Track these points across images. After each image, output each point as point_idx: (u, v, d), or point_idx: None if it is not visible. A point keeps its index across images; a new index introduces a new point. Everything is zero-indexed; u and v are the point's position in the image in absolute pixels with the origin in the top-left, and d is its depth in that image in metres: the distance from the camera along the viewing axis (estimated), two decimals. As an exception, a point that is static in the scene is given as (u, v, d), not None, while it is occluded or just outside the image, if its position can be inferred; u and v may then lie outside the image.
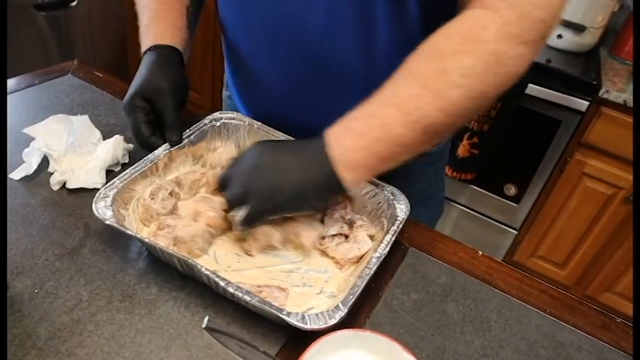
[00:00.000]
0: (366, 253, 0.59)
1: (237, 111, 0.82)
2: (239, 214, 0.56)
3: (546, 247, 1.82)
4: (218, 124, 0.72)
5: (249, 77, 0.75)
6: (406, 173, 0.68)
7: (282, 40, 0.67)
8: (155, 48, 0.67)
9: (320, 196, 0.57)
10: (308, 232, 0.60)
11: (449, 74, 0.52)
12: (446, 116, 0.53)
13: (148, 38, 0.69)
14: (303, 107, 0.72)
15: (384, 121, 0.53)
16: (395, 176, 0.63)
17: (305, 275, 0.58)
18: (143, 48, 0.69)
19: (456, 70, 0.52)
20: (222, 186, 0.60)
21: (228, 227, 0.60)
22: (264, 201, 0.55)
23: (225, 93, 0.91)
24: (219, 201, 0.60)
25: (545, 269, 1.86)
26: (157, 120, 0.66)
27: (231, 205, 0.58)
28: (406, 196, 0.63)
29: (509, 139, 1.67)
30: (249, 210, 0.56)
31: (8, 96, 0.81)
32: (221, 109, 0.77)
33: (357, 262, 0.59)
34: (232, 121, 0.72)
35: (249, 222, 0.57)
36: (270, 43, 0.68)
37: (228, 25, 0.74)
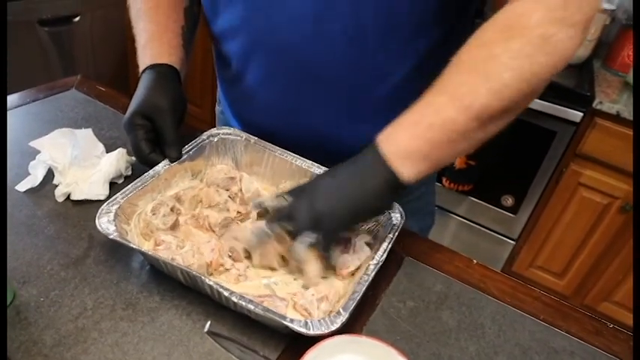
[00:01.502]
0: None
1: (230, 125, 0.83)
2: (305, 241, 0.55)
3: (544, 257, 1.83)
4: (215, 139, 0.73)
5: (240, 90, 0.77)
6: None
7: (272, 53, 0.68)
8: (153, 67, 0.69)
9: (384, 198, 0.57)
10: (312, 267, 0.59)
11: (498, 58, 0.52)
12: (499, 100, 0.53)
13: (145, 57, 0.71)
14: (294, 119, 0.73)
15: (436, 107, 0.54)
16: None
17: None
18: (141, 67, 0.71)
19: (505, 53, 0.52)
20: (285, 217, 0.57)
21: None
22: (334, 220, 0.55)
23: (217, 108, 0.93)
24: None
25: (544, 279, 1.87)
26: (157, 137, 0.67)
27: (300, 231, 0.56)
28: None
29: (505, 151, 1.69)
30: (321, 233, 0.55)
31: (13, 110, 0.83)
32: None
33: (354, 274, 0.60)
34: (229, 136, 0.74)
35: (326, 245, 0.56)
36: (260, 56, 0.70)
37: (219, 38, 0.75)
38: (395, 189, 0.55)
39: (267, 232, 0.58)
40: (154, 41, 0.72)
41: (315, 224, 0.55)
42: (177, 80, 0.71)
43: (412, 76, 0.67)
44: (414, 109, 0.56)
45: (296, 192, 0.59)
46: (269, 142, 0.73)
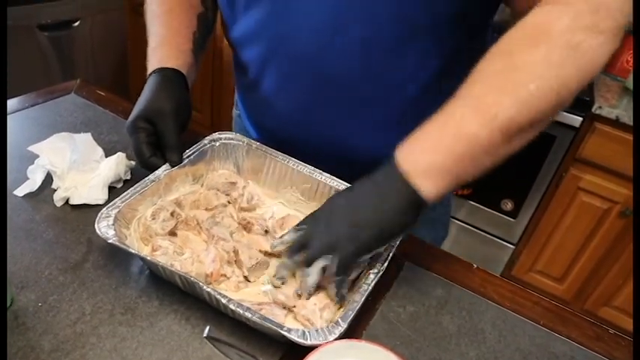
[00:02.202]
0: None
1: (247, 131, 0.84)
2: (318, 266, 0.54)
3: (544, 261, 1.83)
4: (217, 144, 0.73)
5: (257, 97, 0.77)
6: None
7: (288, 61, 0.68)
8: (160, 70, 0.69)
9: (407, 217, 0.53)
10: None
11: (524, 67, 0.50)
12: (526, 111, 0.50)
13: (153, 60, 0.71)
14: (309, 127, 0.73)
15: (458, 120, 0.51)
16: None
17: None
18: (149, 70, 0.71)
19: (530, 62, 0.50)
20: (301, 246, 0.56)
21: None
22: (353, 244, 0.53)
23: (235, 112, 0.93)
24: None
25: (544, 284, 1.86)
26: (159, 141, 0.67)
27: (312, 259, 0.54)
28: None
29: (505, 155, 1.69)
30: (338, 258, 0.53)
31: (13, 115, 0.83)
32: (221, 128, 0.79)
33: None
34: (231, 141, 0.74)
35: (342, 269, 0.53)
36: (276, 64, 0.70)
37: (237, 45, 0.75)
38: (417, 207, 0.53)
39: (285, 266, 0.57)
40: (163, 45, 0.72)
41: (331, 249, 0.53)
42: (183, 84, 0.70)
43: (429, 86, 0.67)
44: (434, 121, 0.53)
45: (311, 219, 0.58)
46: (286, 149, 0.73)
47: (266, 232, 0.65)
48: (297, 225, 0.59)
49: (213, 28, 0.82)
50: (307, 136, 0.74)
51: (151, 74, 0.70)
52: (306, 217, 0.59)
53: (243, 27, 0.71)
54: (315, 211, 0.59)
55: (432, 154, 0.52)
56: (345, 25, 0.62)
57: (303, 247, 0.55)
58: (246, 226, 0.65)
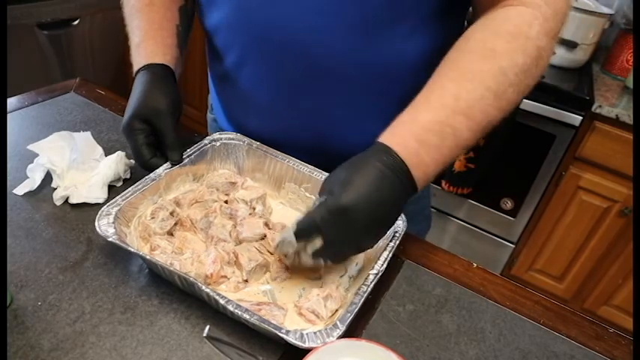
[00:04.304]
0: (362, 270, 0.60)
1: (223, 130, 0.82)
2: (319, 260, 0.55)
3: (544, 260, 1.83)
4: (218, 144, 0.73)
5: (235, 87, 0.75)
6: None
7: (272, 47, 0.66)
8: (148, 67, 0.68)
9: (400, 211, 0.57)
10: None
11: (507, 73, 0.54)
12: (502, 113, 0.56)
13: (139, 57, 0.70)
14: (293, 120, 0.72)
15: (455, 131, 0.54)
16: None
17: (302, 293, 0.59)
18: (135, 67, 0.69)
19: (512, 68, 0.54)
20: (311, 233, 0.54)
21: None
22: (358, 247, 0.56)
23: (209, 116, 0.91)
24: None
25: (544, 282, 1.87)
26: (157, 140, 0.67)
27: (321, 257, 0.55)
28: None
29: (504, 154, 1.69)
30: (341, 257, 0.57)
31: (12, 113, 0.83)
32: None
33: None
34: (232, 141, 0.74)
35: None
36: (258, 51, 0.68)
37: (215, 31, 0.73)
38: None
39: (292, 245, 0.56)
40: (148, 40, 0.71)
41: (340, 255, 0.56)
42: (173, 81, 0.70)
43: (418, 72, 0.65)
44: (434, 128, 0.54)
45: (327, 214, 0.52)
46: (268, 146, 0.72)
47: (266, 225, 0.65)
48: (311, 212, 0.54)
49: (194, 19, 0.80)
50: (291, 129, 0.72)
51: (139, 71, 0.69)
52: (321, 209, 0.53)
53: (224, 13, 0.69)
54: (330, 205, 0.52)
55: (437, 166, 0.55)
56: (336, 8, 0.61)
57: (314, 234, 0.53)
58: (232, 217, 0.65)
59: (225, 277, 0.57)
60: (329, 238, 0.53)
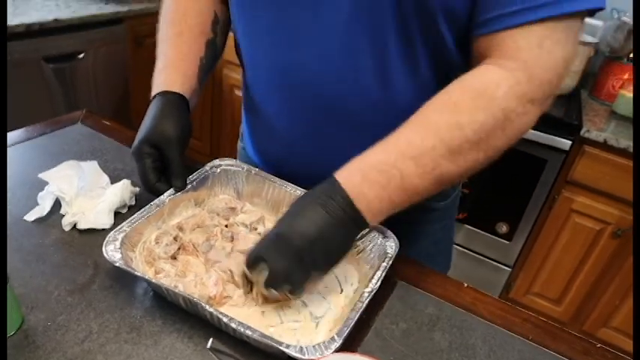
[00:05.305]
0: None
1: (251, 160, 0.86)
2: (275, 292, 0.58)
3: (541, 283, 1.85)
4: (218, 170, 0.77)
5: (261, 119, 0.79)
6: (411, 230, 0.71)
7: (295, 89, 0.70)
8: (164, 94, 0.71)
9: (350, 245, 0.60)
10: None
11: (463, 128, 0.56)
12: (458, 167, 0.57)
13: (159, 83, 0.73)
14: (311, 152, 0.75)
15: (402, 173, 0.56)
16: (400, 234, 0.67)
17: (302, 310, 0.61)
18: (153, 91, 0.73)
19: (470, 124, 0.56)
20: (256, 262, 0.59)
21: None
22: (303, 273, 0.58)
23: (239, 144, 0.95)
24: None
25: (542, 306, 1.88)
26: (163, 165, 0.70)
27: (271, 285, 0.58)
28: (412, 254, 0.67)
29: (498, 179, 1.73)
30: (291, 286, 0.58)
31: (21, 144, 0.87)
32: (220, 156, 0.82)
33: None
34: (231, 167, 0.78)
35: (297, 291, 0.59)
36: (283, 92, 0.72)
37: (246, 67, 0.77)
38: (359, 232, 0.60)
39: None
40: (169, 68, 0.74)
41: (284, 280, 0.57)
42: (185, 109, 0.72)
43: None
44: (381, 168, 0.57)
45: (268, 243, 0.58)
46: (288, 176, 0.75)
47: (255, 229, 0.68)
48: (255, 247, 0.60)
49: (221, 53, 0.84)
50: (309, 163, 0.75)
51: (155, 96, 0.72)
52: (264, 239, 0.60)
53: (253, 52, 0.74)
54: (271, 235, 0.59)
55: (381, 202, 0.58)
56: (354, 54, 0.64)
57: (260, 264, 0.58)
58: (232, 239, 0.68)
59: (229, 297, 0.60)
60: (273, 266, 0.56)
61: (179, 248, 0.66)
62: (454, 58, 0.64)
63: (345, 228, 0.58)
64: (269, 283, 0.57)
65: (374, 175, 0.57)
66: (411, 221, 0.60)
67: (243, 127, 0.90)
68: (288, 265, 0.56)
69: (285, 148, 0.78)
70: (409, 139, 0.58)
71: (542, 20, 0.54)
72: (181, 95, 0.72)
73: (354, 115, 0.69)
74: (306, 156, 0.76)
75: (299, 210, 0.59)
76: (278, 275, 0.57)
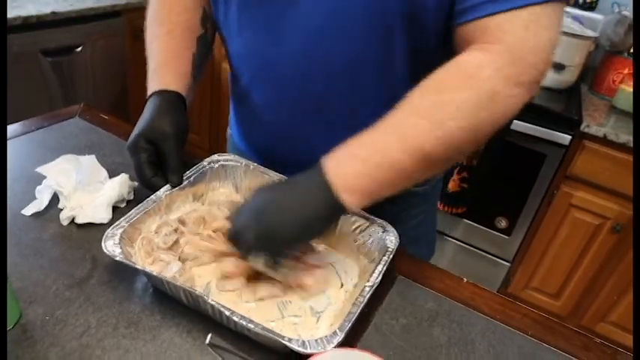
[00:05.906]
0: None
1: (237, 146, 0.87)
2: (258, 259, 0.60)
3: (539, 278, 1.85)
4: (216, 165, 0.76)
5: (247, 108, 0.79)
6: (393, 213, 0.71)
7: (273, 83, 0.71)
8: (160, 93, 0.72)
9: (328, 222, 0.59)
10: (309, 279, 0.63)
11: (446, 106, 0.55)
12: (443, 146, 0.56)
13: (154, 83, 0.73)
14: (293, 142, 0.76)
15: (384, 148, 0.56)
16: (382, 216, 0.67)
17: (303, 305, 0.61)
18: (149, 91, 0.73)
19: (453, 102, 0.55)
20: (234, 242, 0.61)
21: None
22: (280, 238, 0.58)
23: (228, 131, 0.96)
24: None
25: (540, 300, 1.88)
26: (159, 161, 0.70)
27: (247, 254, 0.60)
28: None
29: (497, 173, 1.73)
30: (268, 251, 0.59)
31: (19, 138, 0.86)
32: (219, 150, 0.82)
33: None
34: (230, 162, 0.77)
35: (274, 261, 0.60)
36: (263, 84, 0.73)
37: (232, 61, 0.78)
38: (338, 214, 0.59)
39: None
40: (163, 67, 0.74)
41: (261, 243, 0.58)
42: (182, 107, 0.73)
43: None
44: (362, 143, 0.57)
45: (240, 212, 0.61)
46: (274, 165, 0.76)
47: None
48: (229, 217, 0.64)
49: (211, 48, 0.84)
50: (297, 150, 0.75)
51: (151, 95, 0.72)
52: (237, 209, 0.62)
53: (237, 45, 0.75)
54: (244, 205, 0.61)
55: (359, 178, 0.56)
56: (328, 51, 0.65)
57: (236, 238, 0.60)
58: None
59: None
60: (235, 224, 0.60)
61: (178, 240, 0.65)
62: (432, 53, 0.64)
63: (313, 191, 0.57)
64: (240, 246, 0.60)
65: (353, 150, 0.57)
66: (390, 203, 0.60)
67: (231, 117, 0.91)
68: (251, 222, 0.58)
69: (268, 136, 0.79)
70: (394, 119, 0.57)
71: (527, 5, 0.54)
72: (177, 93, 0.73)
73: (325, 107, 0.70)
74: (293, 144, 0.77)
75: (287, 201, 0.59)
76: (242, 232, 0.58)
